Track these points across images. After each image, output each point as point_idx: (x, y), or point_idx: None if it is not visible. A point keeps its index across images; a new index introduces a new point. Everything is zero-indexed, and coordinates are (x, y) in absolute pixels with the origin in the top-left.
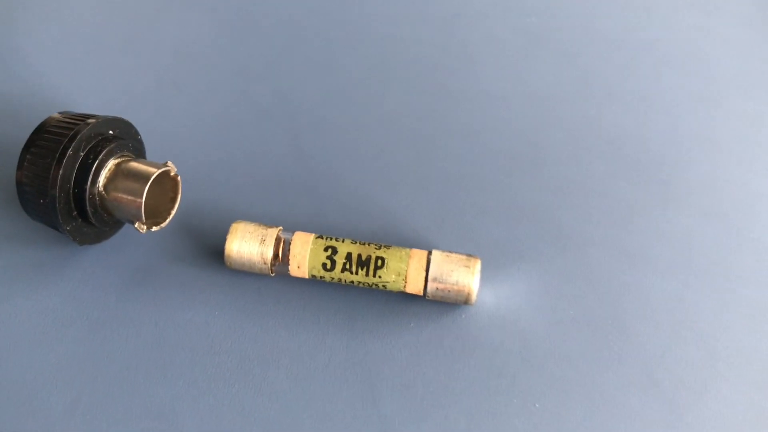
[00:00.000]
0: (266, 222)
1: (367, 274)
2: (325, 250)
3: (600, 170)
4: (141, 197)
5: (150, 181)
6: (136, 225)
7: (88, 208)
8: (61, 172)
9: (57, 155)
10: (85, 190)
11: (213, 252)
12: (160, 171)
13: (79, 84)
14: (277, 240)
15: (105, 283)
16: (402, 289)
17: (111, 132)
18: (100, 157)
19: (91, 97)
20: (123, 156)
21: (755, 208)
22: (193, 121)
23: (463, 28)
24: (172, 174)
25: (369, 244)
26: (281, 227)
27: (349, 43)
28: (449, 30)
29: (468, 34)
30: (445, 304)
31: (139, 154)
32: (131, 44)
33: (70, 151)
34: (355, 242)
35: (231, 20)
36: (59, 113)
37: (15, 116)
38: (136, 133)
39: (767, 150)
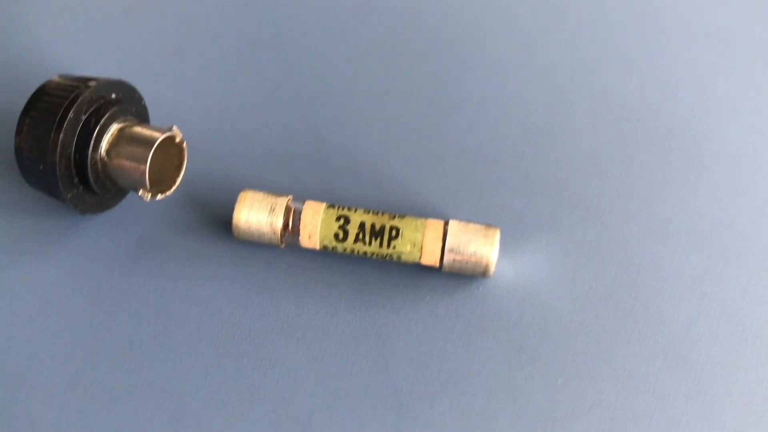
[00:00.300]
0: (273, 191)
1: (381, 245)
2: (337, 219)
3: (621, 142)
4: (145, 163)
5: (155, 147)
6: (140, 193)
7: (89, 174)
8: (61, 136)
9: (57, 119)
10: (87, 155)
11: (220, 222)
12: (165, 136)
13: (80, 50)
14: (287, 209)
15: (108, 254)
16: (417, 260)
17: (114, 96)
18: (103, 121)
19: (92, 64)
20: (126, 121)
21: None
22: (199, 89)
23: None
24: (177, 140)
25: (383, 214)
26: (291, 196)
27: (362, 11)
28: None
29: (484, 3)
30: (462, 277)
31: (143, 119)
32: (135, 10)
33: (71, 115)
34: (369, 212)
35: None
36: (59, 76)
37: (14, 83)
38: (140, 97)
39: None
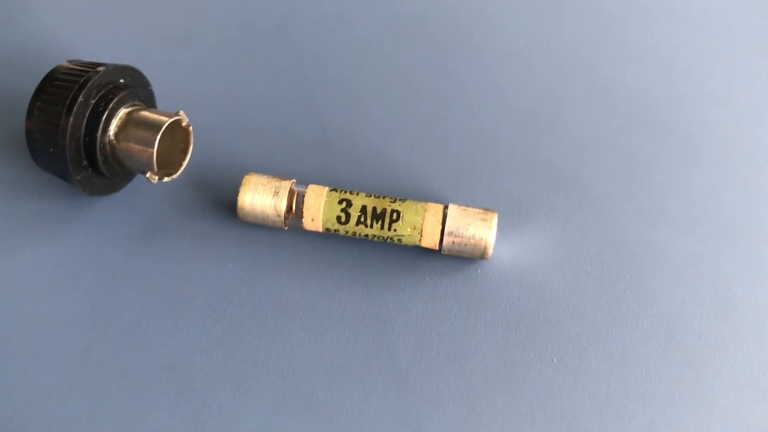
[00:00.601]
0: (277, 175)
1: (382, 228)
2: (340, 202)
3: (617, 127)
4: (153, 146)
5: (162, 130)
6: (148, 175)
7: (98, 157)
8: (71, 120)
9: (67, 103)
10: (96, 138)
11: (225, 205)
12: (172, 120)
13: (86, 37)
14: (291, 192)
15: (116, 235)
16: (417, 243)
17: (122, 80)
18: (111, 105)
19: (99, 50)
20: (134, 105)
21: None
22: (204, 75)
23: None
24: (183, 124)
25: (384, 198)
26: (295, 180)
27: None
28: None
29: None
30: (461, 259)
31: (150, 104)
32: None
33: (80, 99)
34: (370, 195)
35: None
36: (68, 61)
37: (23, 68)
38: (147, 83)
39: None
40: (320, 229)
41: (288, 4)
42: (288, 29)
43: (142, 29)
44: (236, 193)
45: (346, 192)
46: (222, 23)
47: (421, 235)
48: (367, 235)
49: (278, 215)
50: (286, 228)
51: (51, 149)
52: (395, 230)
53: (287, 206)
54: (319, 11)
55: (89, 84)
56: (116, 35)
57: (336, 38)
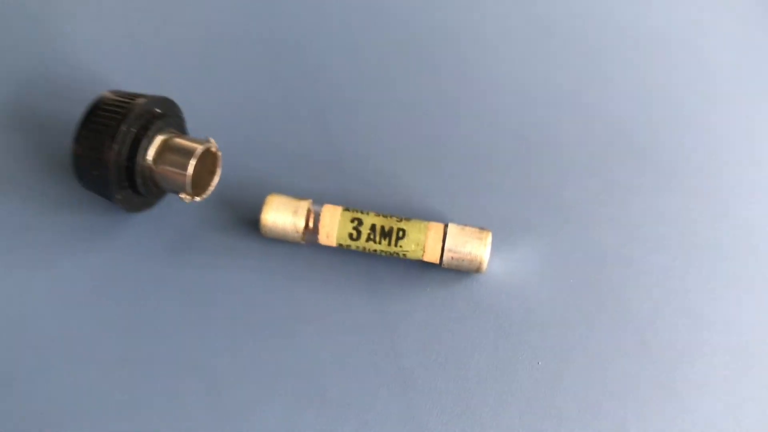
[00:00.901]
0: (295, 195)
1: (389, 244)
2: (352, 221)
3: (599, 153)
4: (189, 171)
5: (196, 156)
6: (182, 195)
7: (137, 179)
8: (115, 147)
9: (112, 132)
10: (136, 163)
11: (248, 221)
12: (204, 147)
13: (118, 63)
14: (308, 211)
15: (150, 247)
16: (420, 257)
17: (158, 110)
18: (149, 133)
19: (130, 75)
20: (169, 132)
21: (738, 190)
22: (226, 99)
23: (478, 18)
24: (213, 150)
25: (391, 217)
26: (312, 200)
27: (372, 28)
28: (465, 19)
29: (483, 24)
30: (459, 272)
31: (182, 130)
32: (166, 25)
33: (123, 128)
34: (379, 215)
35: (259, 2)
36: (110, 92)
37: (64, 93)
38: (179, 111)
39: (754, 138)
40: (334, 244)
41: (301, 33)
42: (304, 58)
43: (169, 57)
44: (258, 210)
45: (357, 211)
46: (243, 53)
47: (424, 251)
48: (375, 250)
49: (297, 231)
50: (304, 243)
51: (96, 172)
52: (401, 246)
53: (305, 224)
54: (331, 40)
55: (131, 115)
56: (146, 63)
57: (348, 68)
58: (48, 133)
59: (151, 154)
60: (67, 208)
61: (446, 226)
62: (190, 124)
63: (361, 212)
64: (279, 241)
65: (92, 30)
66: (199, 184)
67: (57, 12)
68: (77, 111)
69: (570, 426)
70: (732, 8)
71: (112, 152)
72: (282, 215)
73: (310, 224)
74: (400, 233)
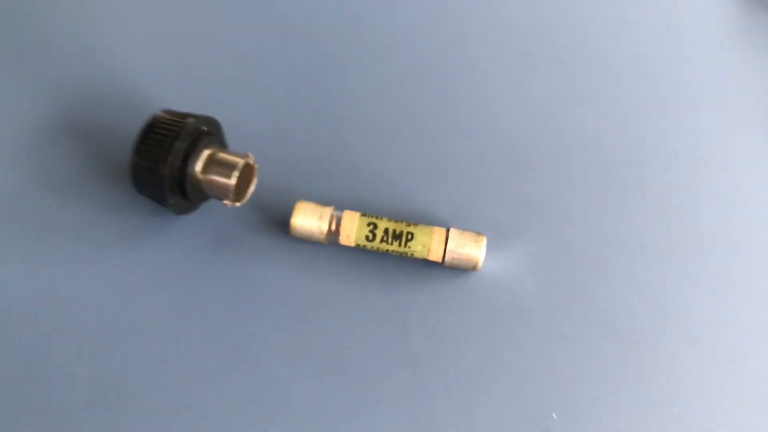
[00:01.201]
0: (320, 202)
1: (399, 245)
2: (368, 225)
3: (580, 168)
4: (233, 180)
5: (239, 169)
6: (225, 202)
7: (187, 187)
8: (170, 159)
9: (167, 147)
10: (186, 173)
11: (278, 223)
12: (245, 161)
13: (164, 83)
14: (331, 216)
15: (194, 245)
16: (426, 257)
17: (204, 128)
18: (198, 148)
19: (172, 93)
20: (214, 147)
21: (696, 199)
22: (258, 118)
23: (474, 50)
24: (251, 163)
25: (401, 222)
26: (334, 206)
27: (384, 57)
28: (463, 47)
29: (478, 52)
30: (458, 270)
31: (224, 145)
32: (204, 49)
33: (176, 144)
34: (391, 220)
35: (285, 31)
36: (163, 111)
37: (119, 108)
38: (221, 128)
39: (711, 153)
40: (352, 245)
41: (321, 58)
42: (326, 84)
43: (205, 75)
44: (286, 213)
45: (373, 217)
46: (274, 78)
47: (429, 251)
48: (387, 250)
49: (321, 233)
50: (326, 243)
51: (152, 181)
52: (409, 247)
53: (328, 227)
54: (347, 66)
55: (183, 132)
56: (184, 80)
57: (363, 92)
58: (105, 144)
59: (199, 166)
60: (121, 210)
61: (448, 230)
62: (228, 139)
63: (376, 217)
64: (305, 241)
65: (143, 56)
66: (239, 191)
67: (114, 40)
68: (129, 124)
69: (548, 395)
70: (696, 40)
71: (167, 164)
72: (309, 219)
73: (333, 227)
74: (409, 236)
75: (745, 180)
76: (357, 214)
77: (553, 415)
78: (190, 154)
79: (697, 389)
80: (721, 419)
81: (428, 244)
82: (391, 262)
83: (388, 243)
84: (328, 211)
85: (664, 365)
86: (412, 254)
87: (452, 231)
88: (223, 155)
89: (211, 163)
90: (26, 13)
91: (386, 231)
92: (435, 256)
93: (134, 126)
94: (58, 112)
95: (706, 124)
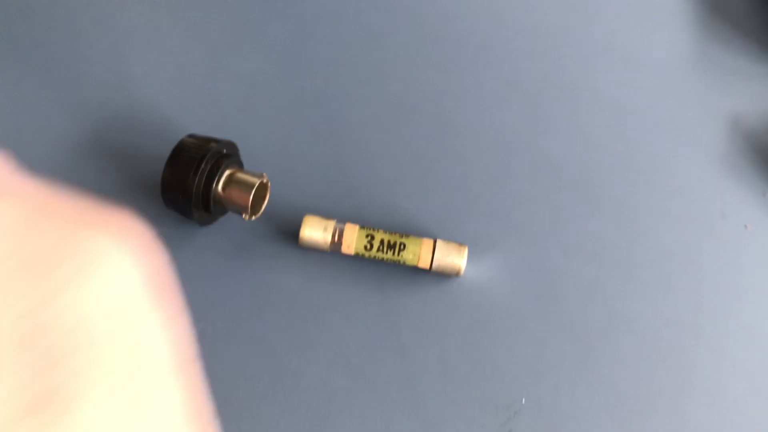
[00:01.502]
0: (324, 215)
1: (393, 254)
2: (366, 236)
3: (546, 186)
4: (249, 197)
5: (256, 188)
6: (243, 215)
7: (210, 202)
8: (196, 179)
9: (195, 168)
10: (209, 191)
11: (287, 233)
12: (260, 181)
13: (185, 107)
14: (335, 228)
15: (214, 252)
16: (416, 264)
17: (224, 150)
18: (220, 168)
19: (194, 118)
20: (233, 167)
21: (650, 217)
22: (268, 139)
23: (457, 82)
24: (265, 181)
25: (395, 233)
26: (337, 219)
27: (379, 87)
28: (449, 77)
29: (461, 81)
30: (444, 276)
31: (240, 165)
32: (222, 79)
33: (202, 165)
34: (387, 232)
35: (293, 63)
36: (188, 136)
37: (145, 131)
38: (238, 150)
39: (660, 176)
40: (353, 253)
41: (322, 85)
42: (328, 111)
43: (217, 100)
44: (296, 225)
45: (371, 229)
46: (275, 98)
47: (419, 259)
48: (383, 258)
49: (326, 243)
50: (330, 251)
51: (180, 196)
52: (402, 256)
53: (332, 237)
54: (346, 91)
55: (207, 155)
56: (198, 105)
57: (362, 117)
58: (134, 162)
59: (220, 184)
60: (149, 221)
61: (435, 241)
62: (243, 158)
63: (374, 230)
64: (311, 250)
65: (169, 85)
66: (255, 207)
67: (143, 71)
68: (155, 144)
69: (518, 383)
70: (651, 70)
71: (193, 183)
72: (315, 231)
73: (336, 238)
74: (402, 246)
75: (693, 198)
76: (357, 227)
77: (523, 400)
78: (213, 175)
79: (641, 378)
80: (663, 404)
81: (418, 253)
82: (385, 268)
83: (383, 252)
84: (331, 224)
85: (615, 358)
86: (404, 262)
87: (439, 242)
88: (241, 175)
89: (231, 182)
90: (66, 47)
91: (382, 241)
92: (423, 263)
93: (160, 146)
94: (93, 134)
95: (659, 149)
